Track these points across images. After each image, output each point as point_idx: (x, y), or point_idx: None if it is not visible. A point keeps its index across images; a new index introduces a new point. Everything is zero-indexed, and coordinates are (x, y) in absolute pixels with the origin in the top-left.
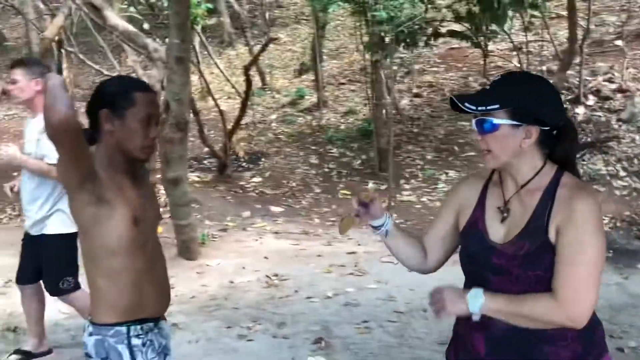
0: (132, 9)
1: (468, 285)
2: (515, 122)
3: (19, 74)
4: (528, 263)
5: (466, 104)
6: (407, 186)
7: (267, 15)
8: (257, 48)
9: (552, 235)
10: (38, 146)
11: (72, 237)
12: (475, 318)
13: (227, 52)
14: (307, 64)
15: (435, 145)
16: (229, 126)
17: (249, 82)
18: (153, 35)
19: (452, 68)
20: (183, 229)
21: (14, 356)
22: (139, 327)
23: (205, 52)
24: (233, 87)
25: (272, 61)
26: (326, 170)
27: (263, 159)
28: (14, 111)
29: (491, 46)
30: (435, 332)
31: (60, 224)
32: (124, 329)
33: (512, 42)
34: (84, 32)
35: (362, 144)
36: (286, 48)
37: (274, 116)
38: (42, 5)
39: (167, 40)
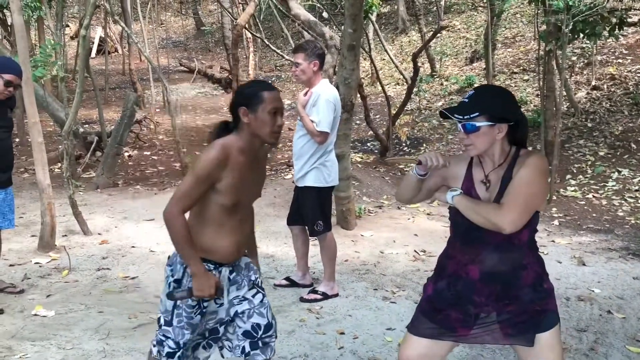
0: None
1: (454, 232)
2: (491, 123)
3: (300, 58)
4: None
5: (455, 115)
6: (572, 182)
7: (442, 1)
8: (429, 35)
9: None
10: (310, 114)
11: (325, 190)
12: (449, 201)
13: (400, 39)
14: (479, 52)
15: (610, 142)
16: (394, 111)
17: (416, 68)
18: (331, 23)
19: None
20: (342, 201)
21: (284, 281)
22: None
23: (378, 39)
24: (401, 73)
25: (445, 48)
26: None
27: (425, 144)
28: (206, 89)
29: None
30: (574, 319)
31: (316, 179)
32: None
33: None
34: (269, 19)
35: (529, 136)
36: (460, 35)
37: (439, 103)
38: None
39: (342, 28)
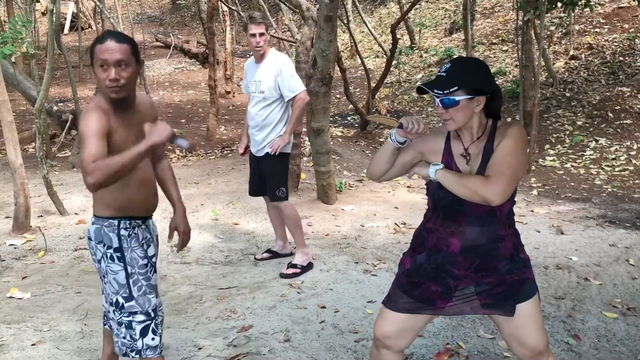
0: None
1: (434, 206)
2: (470, 96)
3: (264, 28)
4: None
5: (435, 90)
6: (551, 151)
7: None
8: (408, 6)
9: None
10: (273, 86)
11: (287, 156)
12: (432, 176)
13: (378, 10)
14: (458, 23)
15: (588, 111)
16: (374, 84)
17: (394, 40)
18: None
19: (617, 29)
20: (322, 175)
21: (265, 254)
22: (127, 222)
23: (357, 12)
24: (380, 46)
25: (424, 20)
26: None
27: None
28: (183, 64)
29: None
30: (552, 287)
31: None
32: (115, 221)
33: None
34: None
35: (508, 106)
36: (439, 6)
37: (419, 75)
38: None
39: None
